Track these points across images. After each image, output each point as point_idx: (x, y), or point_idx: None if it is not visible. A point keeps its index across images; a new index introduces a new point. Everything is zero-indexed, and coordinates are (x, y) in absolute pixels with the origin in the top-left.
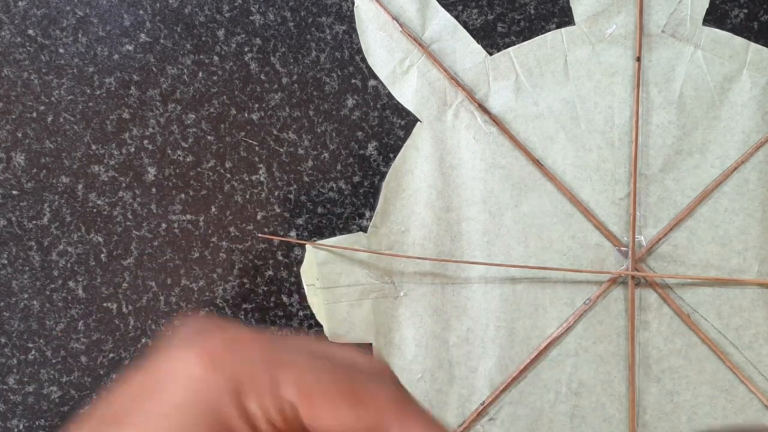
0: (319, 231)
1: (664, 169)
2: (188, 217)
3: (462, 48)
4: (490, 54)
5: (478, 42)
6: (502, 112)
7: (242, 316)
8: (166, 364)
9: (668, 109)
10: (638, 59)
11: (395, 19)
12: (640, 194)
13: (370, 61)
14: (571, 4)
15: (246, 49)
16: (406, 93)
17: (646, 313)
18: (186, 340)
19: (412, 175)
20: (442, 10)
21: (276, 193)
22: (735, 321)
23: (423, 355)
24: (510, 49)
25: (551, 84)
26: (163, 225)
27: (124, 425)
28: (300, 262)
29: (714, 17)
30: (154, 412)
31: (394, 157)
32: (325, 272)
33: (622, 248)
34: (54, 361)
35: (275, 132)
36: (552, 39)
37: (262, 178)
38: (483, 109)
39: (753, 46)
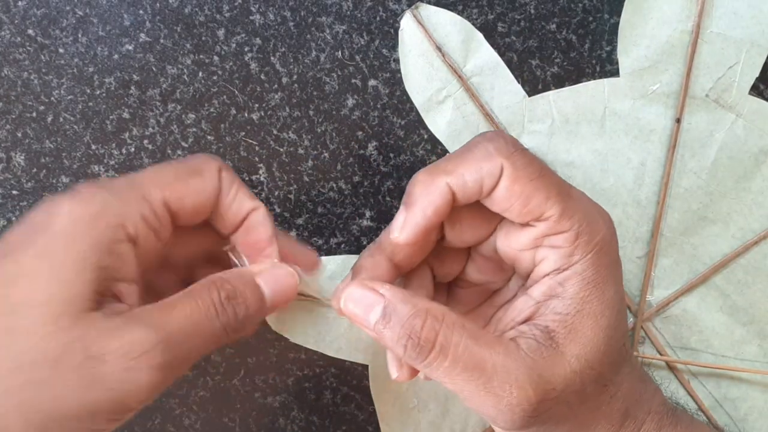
0: (319, 231)
1: (686, 233)
2: None
3: (501, 85)
4: (529, 95)
5: None
6: None
7: None
8: (50, 208)
9: (700, 174)
10: (678, 120)
11: (438, 47)
12: (658, 255)
13: (407, 86)
14: (618, 56)
15: (246, 49)
16: (439, 123)
17: (648, 371)
18: (64, 195)
19: None
20: (487, 44)
21: (276, 193)
22: (733, 392)
23: (420, 385)
24: (549, 93)
25: (586, 133)
26: None
27: (18, 254)
28: None
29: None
30: (44, 243)
31: (395, 157)
32: (330, 287)
33: (632, 306)
34: None
35: (275, 132)
36: (594, 88)
37: (262, 178)
38: None
39: None
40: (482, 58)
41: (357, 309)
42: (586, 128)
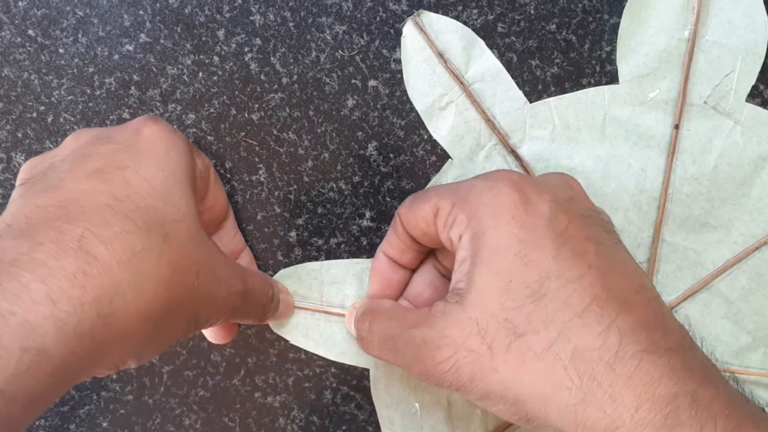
0: (319, 231)
1: (687, 239)
2: None
3: (503, 92)
4: (531, 101)
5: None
6: (534, 160)
7: None
8: (135, 128)
9: (700, 180)
10: (677, 127)
11: (440, 54)
12: (660, 261)
13: (410, 92)
14: (618, 64)
15: (246, 49)
16: (441, 129)
17: None
18: (144, 121)
19: None
20: (488, 51)
21: (276, 193)
22: None
23: (423, 389)
24: (551, 99)
25: (587, 140)
26: None
27: (125, 169)
28: (299, 261)
29: (762, 101)
30: (147, 159)
31: (395, 157)
32: (332, 291)
33: None
34: None
35: (275, 132)
36: (594, 95)
37: (262, 178)
38: (516, 155)
39: None
40: (484, 64)
41: (348, 321)
42: (587, 134)
